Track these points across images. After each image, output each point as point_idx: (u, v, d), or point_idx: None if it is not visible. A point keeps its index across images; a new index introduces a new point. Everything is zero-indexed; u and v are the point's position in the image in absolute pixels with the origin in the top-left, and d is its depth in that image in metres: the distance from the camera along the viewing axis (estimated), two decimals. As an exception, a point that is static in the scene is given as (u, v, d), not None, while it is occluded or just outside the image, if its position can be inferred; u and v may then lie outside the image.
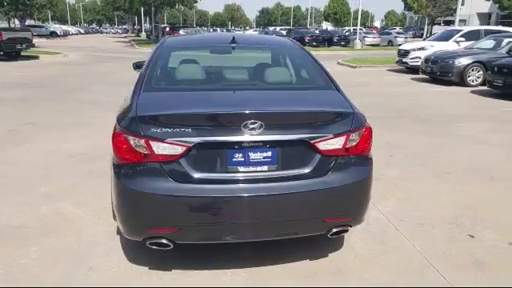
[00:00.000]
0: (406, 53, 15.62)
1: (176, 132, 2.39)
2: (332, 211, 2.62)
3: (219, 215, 2.48)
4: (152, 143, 2.39)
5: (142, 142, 2.40)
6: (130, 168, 2.47)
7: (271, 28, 56.17)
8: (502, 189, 4.41)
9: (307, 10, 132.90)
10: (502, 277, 2.81)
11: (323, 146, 2.53)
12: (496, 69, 10.34)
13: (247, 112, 2.44)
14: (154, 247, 2.57)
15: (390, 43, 36.24)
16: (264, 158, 2.49)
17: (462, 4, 37.44)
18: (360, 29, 37.83)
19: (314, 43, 33.38)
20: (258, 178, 2.49)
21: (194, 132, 2.39)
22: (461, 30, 15.60)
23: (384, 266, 2.92)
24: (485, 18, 49.45)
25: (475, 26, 31.51)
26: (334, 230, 2.67)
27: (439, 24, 45.45)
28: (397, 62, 16.21)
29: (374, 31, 44.52)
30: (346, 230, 2.76)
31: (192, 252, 2.94)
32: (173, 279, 2.73)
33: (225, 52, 3.67)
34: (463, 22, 49.06)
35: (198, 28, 52.35)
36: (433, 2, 31.95)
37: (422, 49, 14.97)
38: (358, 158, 2.67)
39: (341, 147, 2.57)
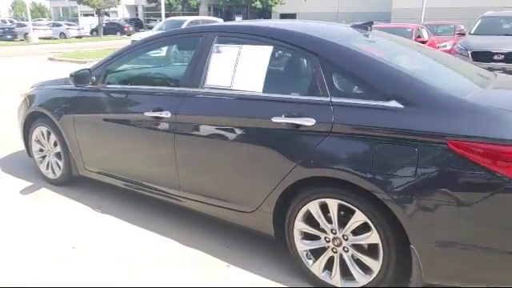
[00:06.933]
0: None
1: None
2: None
3: None
4: None
5: None
6: None
7: None
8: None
9: None
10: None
11: None
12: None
13: None
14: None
15: (63, 35, 34.63)
16: None
17: (119, -3, 39.99)
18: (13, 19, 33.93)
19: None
20: None
21: None
22: (185, 20, 17.76)
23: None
24: (133, 9, 54.32)
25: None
26: None
27: (92, 15, 46.24)
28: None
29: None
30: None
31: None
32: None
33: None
34: (115, 13, 52.31)
35: None
36: (101, -5, 32.84)
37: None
38: None
39: None
